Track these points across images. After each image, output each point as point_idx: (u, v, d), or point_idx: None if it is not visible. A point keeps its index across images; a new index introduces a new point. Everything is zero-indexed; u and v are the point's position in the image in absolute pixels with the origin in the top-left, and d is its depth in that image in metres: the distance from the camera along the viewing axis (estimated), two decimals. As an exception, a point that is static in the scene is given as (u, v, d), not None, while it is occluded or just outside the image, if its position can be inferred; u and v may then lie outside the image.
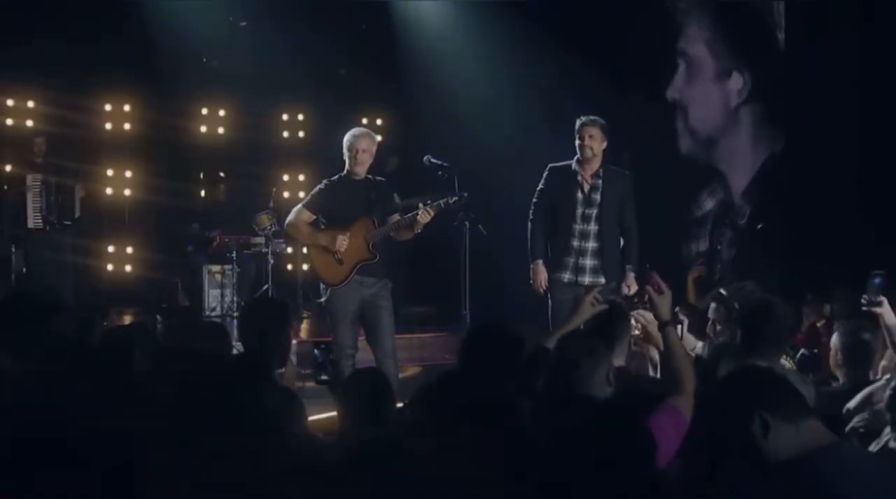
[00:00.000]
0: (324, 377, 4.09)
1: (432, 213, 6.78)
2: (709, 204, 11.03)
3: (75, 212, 10.52)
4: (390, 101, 11.88)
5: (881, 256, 5.36)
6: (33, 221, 10.18)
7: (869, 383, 4.70)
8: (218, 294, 11.03)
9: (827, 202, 9.92)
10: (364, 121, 11.86)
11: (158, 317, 9.08)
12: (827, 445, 2.84)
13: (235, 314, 10.33)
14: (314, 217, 6.97)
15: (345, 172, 6.97)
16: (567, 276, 7.14)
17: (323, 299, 6.90)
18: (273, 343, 4.36)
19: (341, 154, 6.98)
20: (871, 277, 4.89)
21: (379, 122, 11.97)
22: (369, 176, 6.96)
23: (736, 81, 10.86)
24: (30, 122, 11.21)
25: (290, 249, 11.29)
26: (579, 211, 7.14)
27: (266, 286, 10.25)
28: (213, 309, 10.92)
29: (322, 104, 11.92)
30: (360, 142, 6.87)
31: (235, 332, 5.73)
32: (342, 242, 6.80)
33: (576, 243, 7.13)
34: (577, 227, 7.13)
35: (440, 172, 7.26)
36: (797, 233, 9.33)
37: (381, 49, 11.62)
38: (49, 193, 10.20)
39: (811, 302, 7.73)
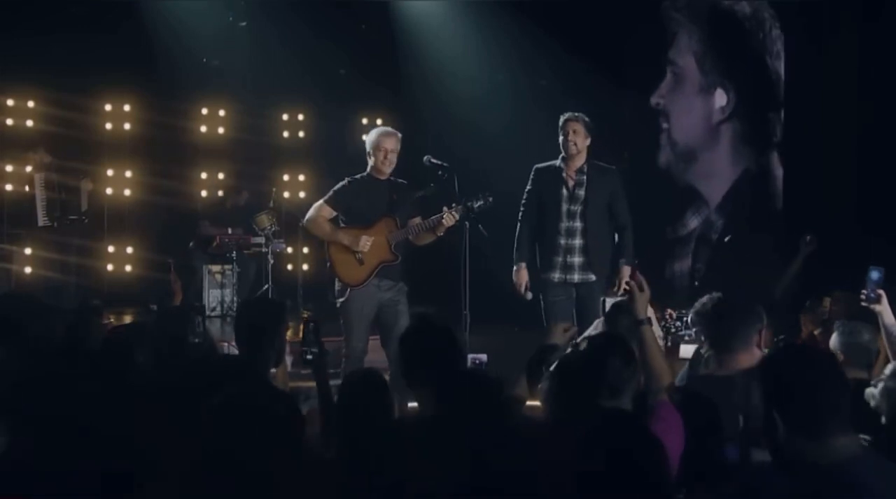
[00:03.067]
0: (309, 357, 4.01)
1: (457, 216, 6.68)
2: (693, 222, 11.03)
3: (82, 206, 10.59)
4: (390, 101, 11.87)
5: (881, 255, 5.32)
6: (42, 219, 10.34)
7: (867, 384, 4.68)
8: (218, 294, 11.05)
9: (825, 203, 9.90)
10: (364, 121, 11.88)
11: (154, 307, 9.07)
12: (851, 457, 2.70)
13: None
14: (334, 214, 6.89)
15: (368, 171, 6.91)
16: (557, 275, 7.11)
17: (341, 300, 6.81)
18: (268, 344, 4.35)
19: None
20: (868, 272, 4.84)
21: (379, 122, 11.94)
22: (392, 177, 6.92)
23: (720, 98, 10.86)
24: (30, 123, 11.23)
25: (290, 249, 11.30)
26: (564, 208, 7.10)
27: (266, 286, 10.26)
28: (213, 309, 10.94)
29: (322, 104, 11.93)
30: (388, 142, 6.82)
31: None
32: (366, 242, 6.75)
33: (563, 241, 7.10)
34: (564, 224, 7.10)
35: (440, 172, 7.22)
36: (795, 235, 9.29)
37: (381, 49, 11.62)
38: (53, 191, 10.33)
39: (808, 310, 7.70)
